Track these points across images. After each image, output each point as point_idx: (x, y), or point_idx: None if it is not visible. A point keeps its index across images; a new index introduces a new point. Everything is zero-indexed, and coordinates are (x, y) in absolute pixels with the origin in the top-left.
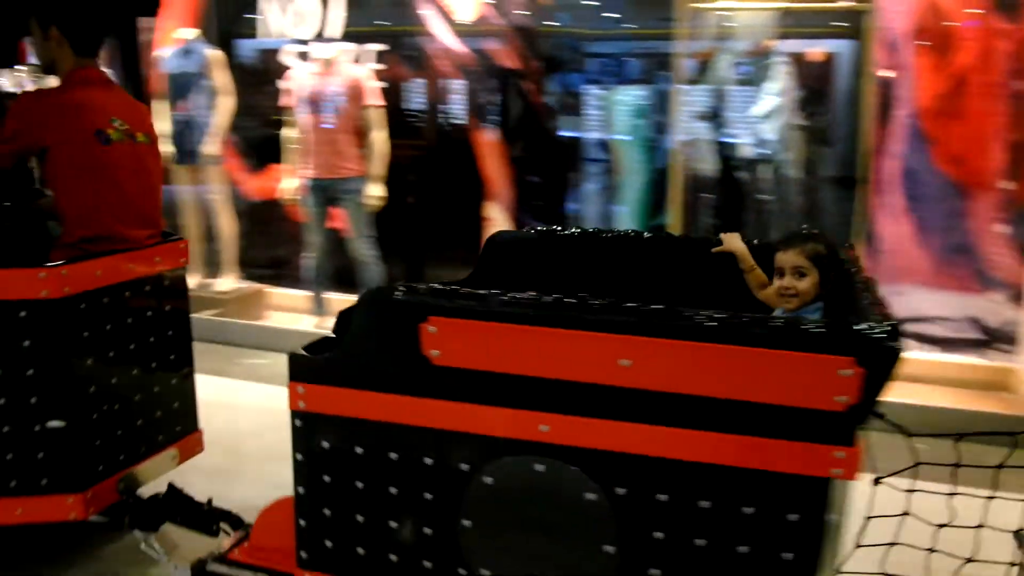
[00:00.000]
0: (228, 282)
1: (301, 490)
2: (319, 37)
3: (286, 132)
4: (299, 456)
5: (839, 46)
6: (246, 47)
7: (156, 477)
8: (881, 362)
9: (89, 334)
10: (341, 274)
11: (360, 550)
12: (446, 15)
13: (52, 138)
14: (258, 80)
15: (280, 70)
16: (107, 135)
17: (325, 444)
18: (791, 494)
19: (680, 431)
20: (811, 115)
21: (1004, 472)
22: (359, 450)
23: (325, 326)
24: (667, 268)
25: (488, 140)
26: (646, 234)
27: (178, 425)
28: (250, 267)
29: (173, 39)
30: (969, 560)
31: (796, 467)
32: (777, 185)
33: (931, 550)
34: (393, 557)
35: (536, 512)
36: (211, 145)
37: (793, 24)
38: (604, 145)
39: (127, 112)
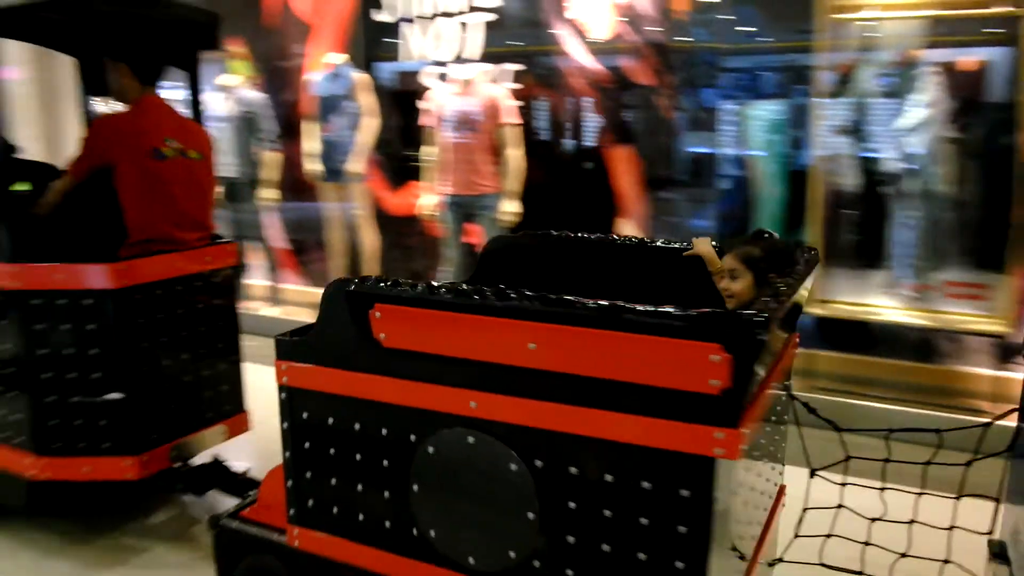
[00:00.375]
0: None
1: (287, 455)
2: (458, 59)
3: (425, 150)
4: (285, 425)
5: (993, 54)
6: (387, 70)
7: (205, 449)
8: (747, 349)
9: (144, 321)
10: None
11: (335, 509)
12: (581, 34)
13: (116, 156)
14: (398, 101)
15: (420, 91)
16: (162, 152)
17: (304, 415)
18: (681, 471)
19: (580, 409)
20: (962, 127)
21: (931, 469)
22: (331, 421)
23: None
24: (647, 270)
25: (621, 157)
26: (630, 240)
27: (227, 405)
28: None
29: (322, 64)
30: (903, 555)
31: (682, 446)
32: (925, 200)
33: (866, 543)
34: (360, 516)
35: (469, 480)
36: (356, 163)
37: (943, 32)
38: (739, 161)
39: (181, 132)
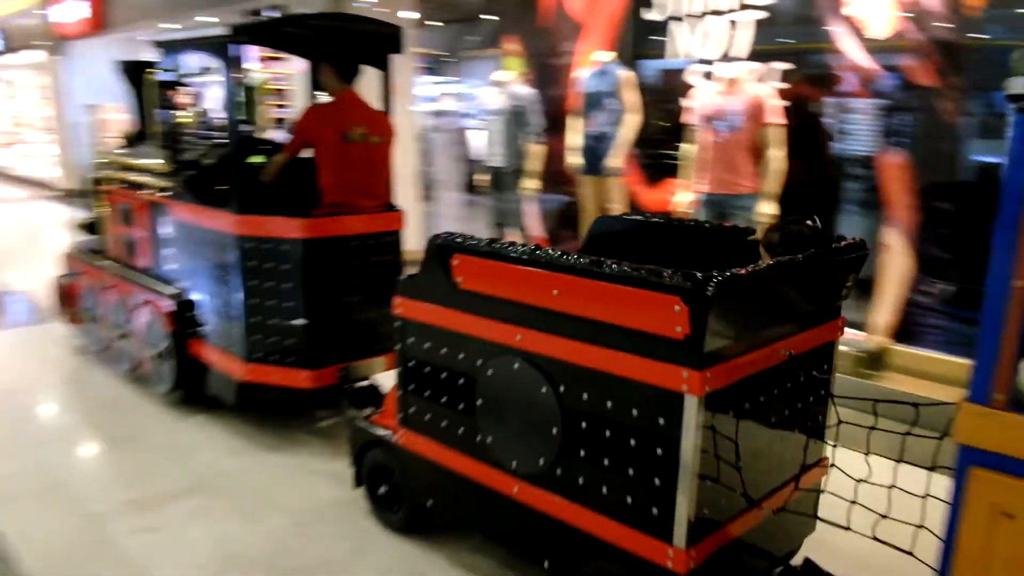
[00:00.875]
0: None
1: (398, 371)
2: (725, 57)
3: (685, 148)
4: (397, 347)
5: None
6: (652, 67)
7: (367, 375)
8: (699, 303)
9: (326, 266)
10: None
11: (427, 415)
12: (858, 31)
13: (316, 138)
14: (661, 98)
15: (683, 89)
16: (349, 136)
17: (409, 340)
18: (658, 403)
19: (587, 345)
20: None
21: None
22: (425, 346)
23: None
24: (721, 250)
25: (893, 163)
26: (721, 225)
27: (386, 342)
28: None
29: (591, 61)
30: (884, 516)
31: (658, 381)
32: None
33: (853, 502)
34: (444, 423)
35: (515, 398)
36: (615, 159)
37: None
38: None
39: (368, 121)
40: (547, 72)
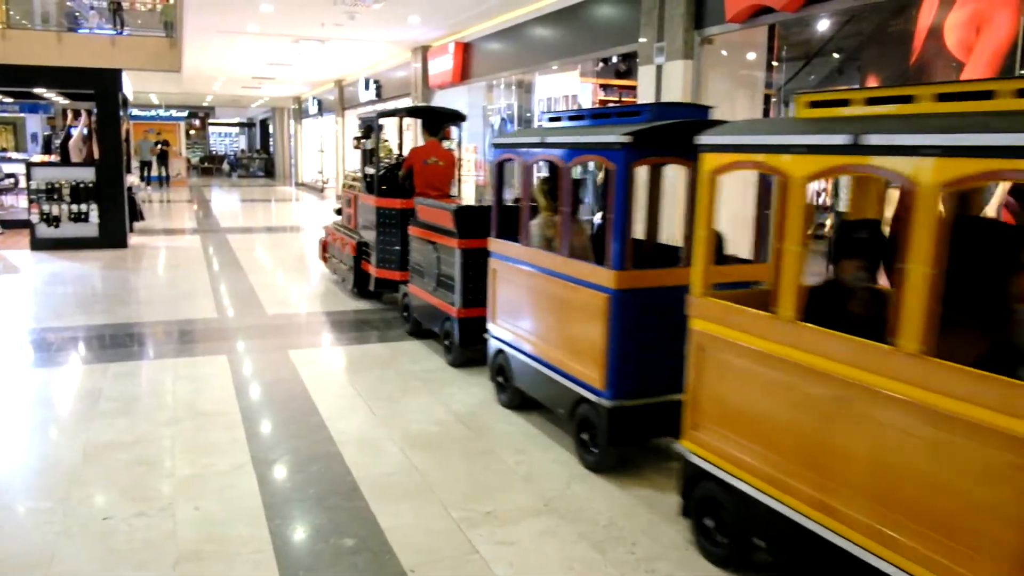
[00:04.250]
0: None
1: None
2: None
3: None
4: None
5: None
6: None
7: None
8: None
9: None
10: None
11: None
12: None
13: (412, 162)
14: None
15: None
16: (428, 161)
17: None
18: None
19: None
20: None
21: None
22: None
23: None
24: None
25: None
26: None
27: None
28: None
29: None
30: None
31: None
32: None
33: None
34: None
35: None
36: (990, 207)
37: None
38: None
39: (439, 154)
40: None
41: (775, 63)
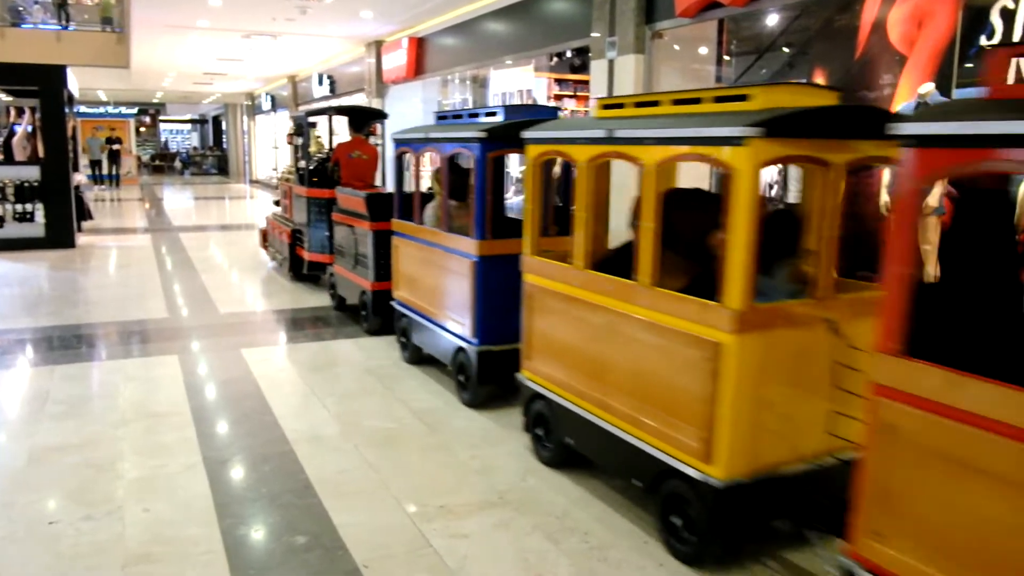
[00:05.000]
0: None
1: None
2: None
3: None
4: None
5: None
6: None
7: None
8: (369, 201)
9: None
10: None
11: None
12: None
13: (339, 157)
14: None
15: None
16: (352, 155)
17: None
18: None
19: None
20: None
21: None
22: None
23: None
24: None
25: None
26: None
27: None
28: None
29: (914, 93)
30: None
31: (361, 226)
32: None
33: None
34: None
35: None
36: (933, 197)
37: None
38: None
39: (363, 148)
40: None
41: (727, 57)
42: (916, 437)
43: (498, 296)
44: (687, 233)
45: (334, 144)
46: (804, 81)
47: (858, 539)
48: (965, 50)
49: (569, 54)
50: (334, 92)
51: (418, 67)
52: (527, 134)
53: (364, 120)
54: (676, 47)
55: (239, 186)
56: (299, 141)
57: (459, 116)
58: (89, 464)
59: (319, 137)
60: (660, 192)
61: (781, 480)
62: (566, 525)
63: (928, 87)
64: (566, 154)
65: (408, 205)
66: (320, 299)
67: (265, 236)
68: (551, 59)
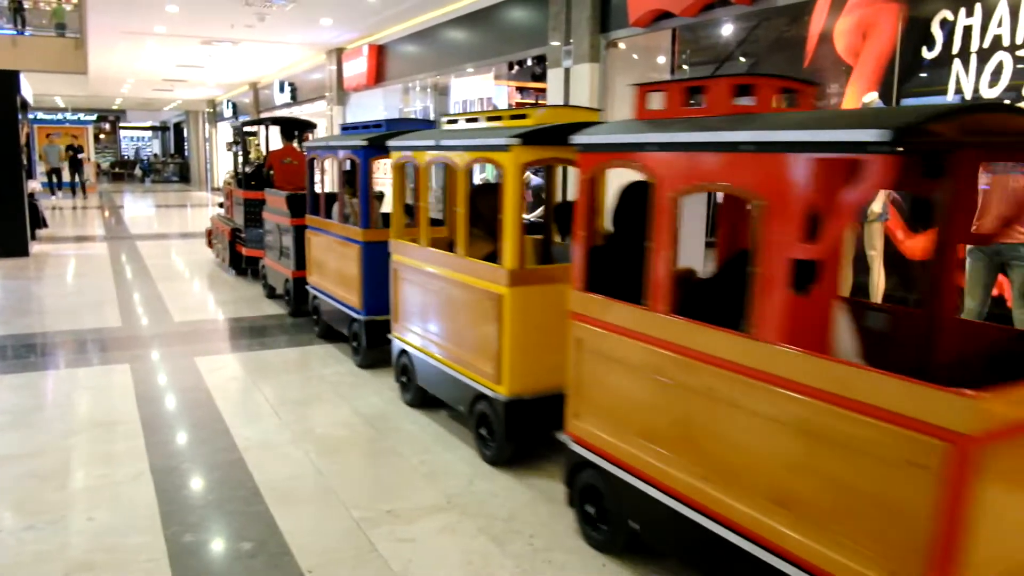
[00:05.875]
0: None
1: None
2: (1010, 93)
3: None
4: None
5: None
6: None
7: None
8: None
9: (260, 212)
10: None
11: None
12: None
13: (272, 163)
14: None
15: None
16: (284, 162)
17: None
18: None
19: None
20: None
21: None
22: None
23: None
24: None
25: None
26: None
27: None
28: None
29: (861, 103)
30: None
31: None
32: None
33: None
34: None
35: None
36: (877, 203)
37: None
38: None
39: (294, 155)
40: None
41: (685, 67)
42: (591, 344)
43: (379, 275)
44: (487, 215)
45: (271, 150)
46: (570, 104)
47: (568, 420)
48: (908, 61)
49: (530, 62)
50: (296, 99)
51: (379, 74)
52: (391, 143)
53: (293, 130)
54: (635, 56)
55: (200, 194)
56: (236, 149)
57: (355, 128)
58: (33, 474)
59: (258, 145)
60: (468, 185)
61: (550, 398)
62: (512, 528)
63: (872, 96)
64: (413, 158)
65: (317, 203)
66: (276, 307)
67: (210, 235)
68: (511, 67)
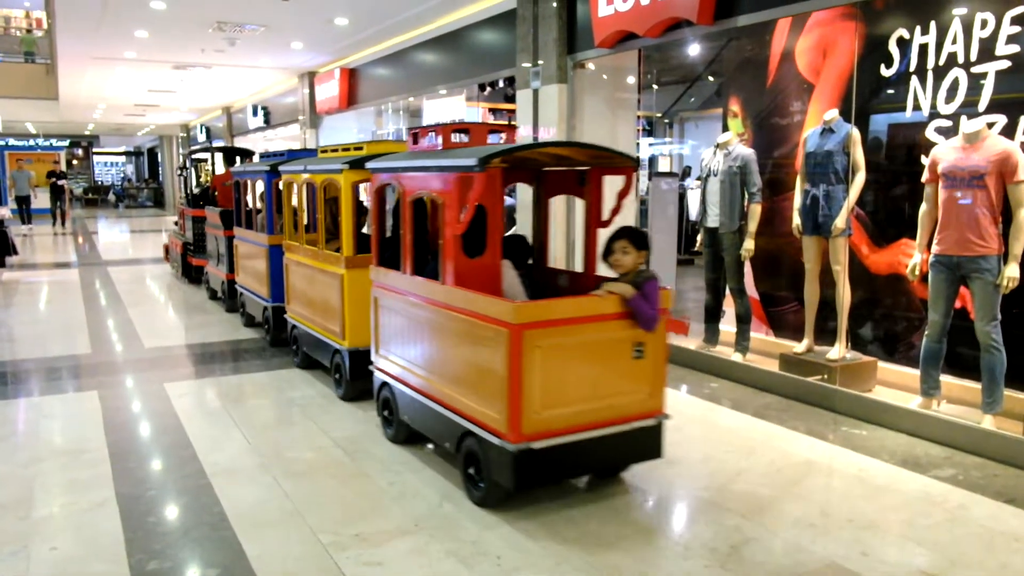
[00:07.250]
0: (837, 351)
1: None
2: (966, 110)
3: (923, 208)
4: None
5: None
6: (884, 123)
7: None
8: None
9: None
10: (958, 357)
11: None
12: None
13: (216, 185)
14: (892, 155)
15: (916, 144)
16: (227, 184)
17: None
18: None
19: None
20: None
21: None
22: None
23: (933, 408)
24: None
25: None
26: None
27: None
28: (864, 339)
29: (823, 120)
30: None
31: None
32: None
33: None
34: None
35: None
36: (841, 218)
37: None
38: None
39: (228, 176)
40: (769, 132)
41: (655, 87)
42: (383, 302)
43: (281, 272)
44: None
45: (215, 174)
46: (393, 139)
47: (374, 356)
48: (868, 78)
49: (502, 84)
50: (269, 123)
51: (351, 97)
52: (281, 168)
53: (233, 156)
54: (604, 76)
55: (175, 218)
56: (186, 174)
57: (273, 155)
58: None
59: (208, 170)
60: (327, 198)
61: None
62: (479, 550)
63: (832, 113)
64: (294, 180)
65: (243, 217)
66: (249, 333)
67: (167, 250)
68: (483, 88)
